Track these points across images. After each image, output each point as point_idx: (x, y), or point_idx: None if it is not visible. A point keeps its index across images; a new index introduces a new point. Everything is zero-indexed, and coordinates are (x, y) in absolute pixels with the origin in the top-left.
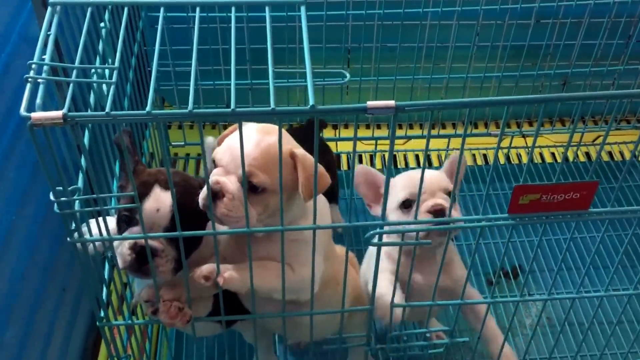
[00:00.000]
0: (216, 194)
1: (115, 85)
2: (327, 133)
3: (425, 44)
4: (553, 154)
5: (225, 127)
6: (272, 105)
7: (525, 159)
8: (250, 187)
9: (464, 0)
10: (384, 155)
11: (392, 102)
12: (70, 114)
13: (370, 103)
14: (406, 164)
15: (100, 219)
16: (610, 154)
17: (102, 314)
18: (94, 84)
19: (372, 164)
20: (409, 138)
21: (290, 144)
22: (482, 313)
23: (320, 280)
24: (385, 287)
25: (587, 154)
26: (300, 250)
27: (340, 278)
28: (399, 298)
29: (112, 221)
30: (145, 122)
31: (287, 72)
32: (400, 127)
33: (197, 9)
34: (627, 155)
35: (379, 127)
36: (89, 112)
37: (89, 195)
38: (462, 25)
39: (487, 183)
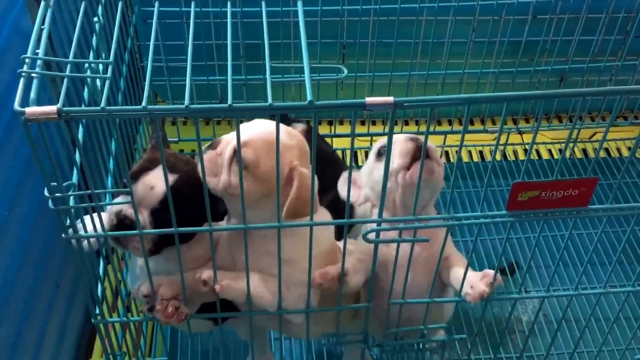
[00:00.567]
0: None
1: (109, 80)
2: (322, 129)
3: (421, 40)
4: (550, 151)
5: (219, 123)
6: (270, 100)
7: (521, 156)
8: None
9: None
10: None
11: (390, 99)
12: (64, 108)
13: (369, 99)
14: None
15: (95, 215)
16: (607, 150)
17: (97, 311)
18: (88, 79)
19: None
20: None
21: (300, 159)
22: (454, 265)
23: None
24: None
25: (584, 151)
26: (295, 271)
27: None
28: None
29: (106, 217)
30: (141, 117)
31: (283, 67)
32: (396, 123)
33: (192, 4)
34: (624, 152)
35: (373, 123)
36: (84, 107)
37: (83, 191)
38: (459, 20)
39: (485, 180)
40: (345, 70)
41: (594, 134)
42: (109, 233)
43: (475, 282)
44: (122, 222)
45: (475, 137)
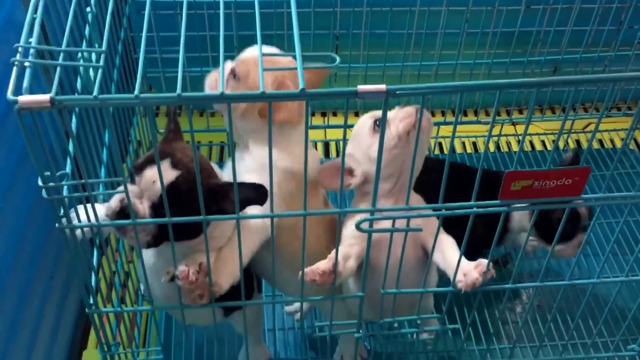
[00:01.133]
0: None
1: (102, 69)
2: (316, 120)
3: (414, 31)
4: (543, 142)
5: (213, 115)
6: (262, 89)
7: (514, 147)
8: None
9: None
10: None
11: (383, 86)
12: (57, 97)
13: (361, 87)
14: None
15: (89, 205)
16: (600, 141)
17: (91, 301)
18: (81, 70)
19: None
20: None
21: (292, 79)
22: (447, 249)
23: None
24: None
25: (578, 142)
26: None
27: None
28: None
29: (100, 208)
30: (134, 106)
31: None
32: None
33: None
34: (618, 143)
35: None
36: (77, 96)
37: (77, 180)
38: (452, 11)
39: (479, 170)
40: (338, 59)
41: (588, 125)
42: (102, 223)
43: (468, 271)
44: (123, 211)
45: (468, 128)
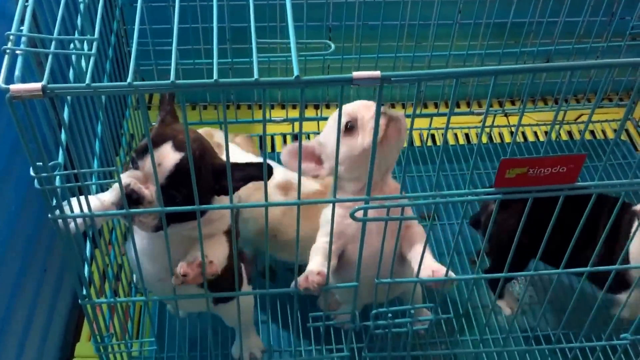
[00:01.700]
0: None
1: (94, 58)
2: (309, 113)
3: (407, 22)
4: (535, 133)
5: (205, 108)
6: (256, 75)
7: (507, 138)
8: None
9: None
10: None
11: (377, 73)
12: (49, 85)
13: (356, 73)
14: None
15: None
16: (592, 132)
17: (84, 292)
18: (73, 60)
19: None
20: None
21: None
22: (415, 237)
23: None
24: (317, 263)
25: (570, 133)
26: None
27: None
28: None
29: (93, 199)
30: (126, 94)
31: (269, 45)
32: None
33: None
34: (610, 134)
35: None
36: (69, 85)
37: (69, 171)
38: (444, 2)
39: (471, 162)
40: (333, 45)
41: (580, 115)
42: (95, 213)
43: (438, 269)
44: (129, 197)
45: (461, 119)
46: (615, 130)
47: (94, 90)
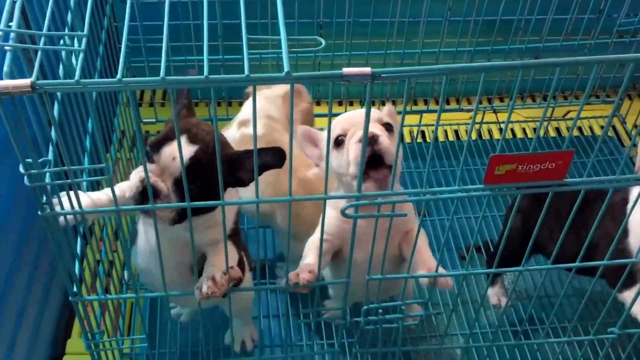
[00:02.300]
0: None
1: (84, 53)
2: None
3: (397, 19)
4: (524, 129)
5: (197, 105)
6: (247, 72)
7: (496, 135)
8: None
9: None
10: None
11: (368, 69)
12: (39, 82)
13: (347, 70)
14: None
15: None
16: (580, 129)
17: (75, 289)
18: (63, 56)
19: None
20: None
21: None
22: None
23: None
24: (311, 260)
25: (557, 129)
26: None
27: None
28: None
29: (84, 197)
30: (117, 90)
31: (260, 41)
32: (373, 103)
33: None
34: (597, 130)
35: (351, 104)
36: (58, 81)
37: (59, 167)
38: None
39: (460, 158)
40: (323, 42)
41: (567, 112)
42: (85, 210)
43: (433, 267)
44: (145, 191)
45: (450, 116)
46: (602, 127)
47: (84, 86)
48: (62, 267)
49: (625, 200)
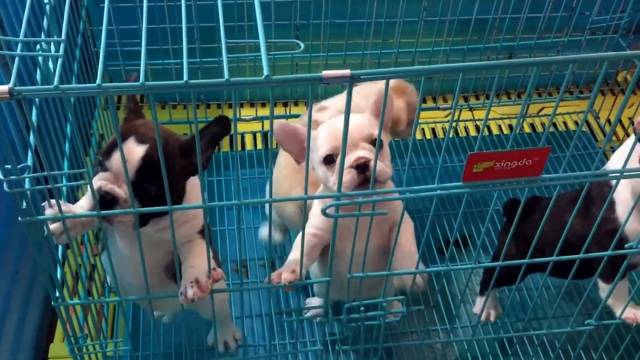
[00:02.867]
0: None
1: (62, 59)
2: (278, 110)
3: (374, 20)
4: (500, 126)
5: (175, 107)
6: (226, 76)
7: (472, 132)
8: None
9: None
10: None
11: (347, 71)
12: (17, 88)
13: (326, 72)
14: None
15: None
16: (554, 124)
17: (57, 293)
18: (40, 61)
19: None
20: None
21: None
22: (402, 236)
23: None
24: (295, 259)
25: (532, 125)
26: None
27: None
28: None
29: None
30: (96, 95)
31: (238, 44)
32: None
33: None
34: (571, 125)
35: None
36: (37, 87)
37: (39, 173)
38: (410, 0)
39: (438, 156)
40: (302, 45)
41: (542, 108)
42: (67, 215)
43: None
44: (103, 199)
45: (427, 114)
46: (576, 122)
47: (63, 92)
48: (44, 272)
49: (604, 189)
